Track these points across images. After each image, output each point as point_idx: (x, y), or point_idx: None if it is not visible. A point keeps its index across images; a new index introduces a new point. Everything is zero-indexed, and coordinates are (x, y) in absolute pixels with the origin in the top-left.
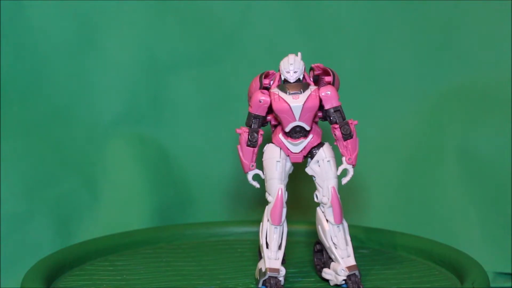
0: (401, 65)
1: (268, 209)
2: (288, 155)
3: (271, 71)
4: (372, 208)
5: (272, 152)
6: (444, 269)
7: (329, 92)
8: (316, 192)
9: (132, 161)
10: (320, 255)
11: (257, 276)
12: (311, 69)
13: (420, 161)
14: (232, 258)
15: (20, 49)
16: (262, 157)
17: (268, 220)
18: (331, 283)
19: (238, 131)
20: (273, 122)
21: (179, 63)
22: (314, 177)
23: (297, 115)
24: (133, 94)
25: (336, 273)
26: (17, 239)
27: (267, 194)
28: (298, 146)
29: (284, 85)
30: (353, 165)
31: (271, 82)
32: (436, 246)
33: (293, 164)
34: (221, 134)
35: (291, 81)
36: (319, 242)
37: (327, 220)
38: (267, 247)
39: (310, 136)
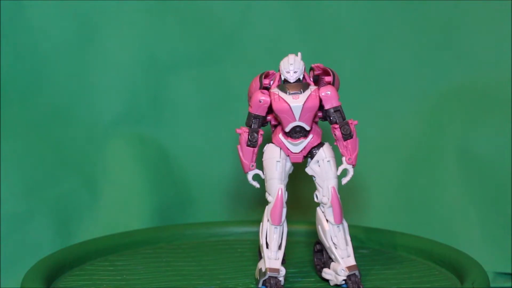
0: (401, 65)
1: (268, 209)
2: (288, 155)
3: (271, 71)
4: (372, 208)
5: (272, 152)
6: (444, 269)
7: (329, 92)
8: (316, 192)
9: (132, 161)
10: (320, 255)
11: (257, 276)
12: (311, 69)
13: (420, 161)
14: (232, 258)
15: (20, 49)
16: (262, 157)
17: (268, 220)
18: (331, 283)
19: (238, 131)
20: (273, 122)
21: (179, 63)
22: (314, 177)
23: (297, 115)
24: (133, 94)
25: (336, 273)
26: (17, 239)
27: (267, 194)
28: (298, 146)
29: (284, 85)
30: (353, 165)
31: (271, 82)
32: (436, 246)
33: (293, 164)
34: (221, 134)
35: (291, 81)
36: (319, 242)
37: (327, 220)
38: (267, 247)
39: (310, 136)
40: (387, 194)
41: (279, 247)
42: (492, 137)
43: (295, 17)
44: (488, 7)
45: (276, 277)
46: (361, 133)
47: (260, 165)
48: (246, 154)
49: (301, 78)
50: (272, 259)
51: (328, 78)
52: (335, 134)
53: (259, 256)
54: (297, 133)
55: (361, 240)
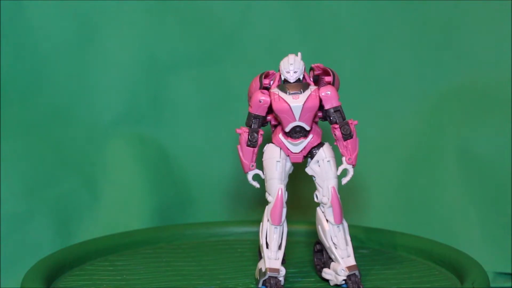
0: (401, 65)
1: (268, 209)
2: (288, 155)
3: (271, 71)
4: (372, 208)
5: (272, 152)
6: (444, 269)
7: (329, 92)
8: (316, 192)
9: (132, 161)
10: (320, 255)
11: (257, 276)
12: (311, 69)
13: (420, 161)
14: (232, 258)
15: (20, 49)
16: (262, 157)
17: (268, 220)
18: (331, 283)
19: (238, 131)
20: (273, 122)
21: (179, 63)
22: (314, 177)
23: (297, 115)
24: (133, 94)
25: (336, 273)
26: (17, 239)
27: (267, 194)
28: (298, 146)
29: (284, 85)
30: (353, 165)
31: (271, 82)
32: (436, 246)
33: (293, 164)
34: (221, 134)
35: (291, 81)
36: (319, 242)
37: (327, 220)
38: (267, 247)
39: (310, 136)
40: (387, 194)
41: (279, 247)
42: (492, 137)
43: (295, 17)
44: (488, 7)
45: (276, 277)
46: (361, 133)
47: (260, 165)
48: (246, 154)
49: (301, 78)
50: (272, 259)
51: (328, 78)
52: (335, 134)
53: (259, 256)
54: (297, 133)
55: (361, 240)
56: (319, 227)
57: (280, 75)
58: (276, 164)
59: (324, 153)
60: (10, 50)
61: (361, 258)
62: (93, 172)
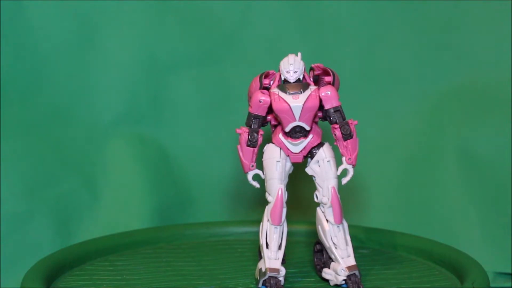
0: (401, 65)
1: (268, 209)
2: (288, 155)
3: (271, 71)
4: (372, 208)
5: (272, 152)
6: (444, 269)
7: (329, 92)
8: (316, 192)
9: (132, 161)
10: (320, 255)
11: (257, 276)
12: (311, 69)
13: (420, 161)
14: (232, 258)
15: (20, 49)
16: (262, 157)
17: (268, 220)
18: (331, 283)
19: (238, 131)
20: (273, 122)
21: (179, 63)
22: (314, 177)
23: (297, 115)
24: (133, 94)
25: (336, 273)
26: (17, 239)
27: (267, 194)
28: (298, 146)
29: (284, 85)
30: (353, 165)
31: (271, 82)
32: (436, 246)
33: (293, 164)
34: (221, 134)
35: (291, 81)
36: (319, 242)
37: (327, 220)
38: (267, 247)
39: (310, 136)
40: (387, 194)
41: (279, 247)
42: (492, 137)
43: (295, 17)
44: (488, 7)
45: (276, 277)
46: (361, 133)
47: (260, 165)
48: (246, 154)
49: (301, 78)
50: (272, 259)
51: (328, 78)
52: (335, 134)
53: (259, 256)
54: (297, 133)
55: (361, 240)
56: (319, 227)
57: (280, 75)
58: (276, 164)
59: (324, 153)
60: (10, 50)
61: (361, 258)
62: (93, 172)
